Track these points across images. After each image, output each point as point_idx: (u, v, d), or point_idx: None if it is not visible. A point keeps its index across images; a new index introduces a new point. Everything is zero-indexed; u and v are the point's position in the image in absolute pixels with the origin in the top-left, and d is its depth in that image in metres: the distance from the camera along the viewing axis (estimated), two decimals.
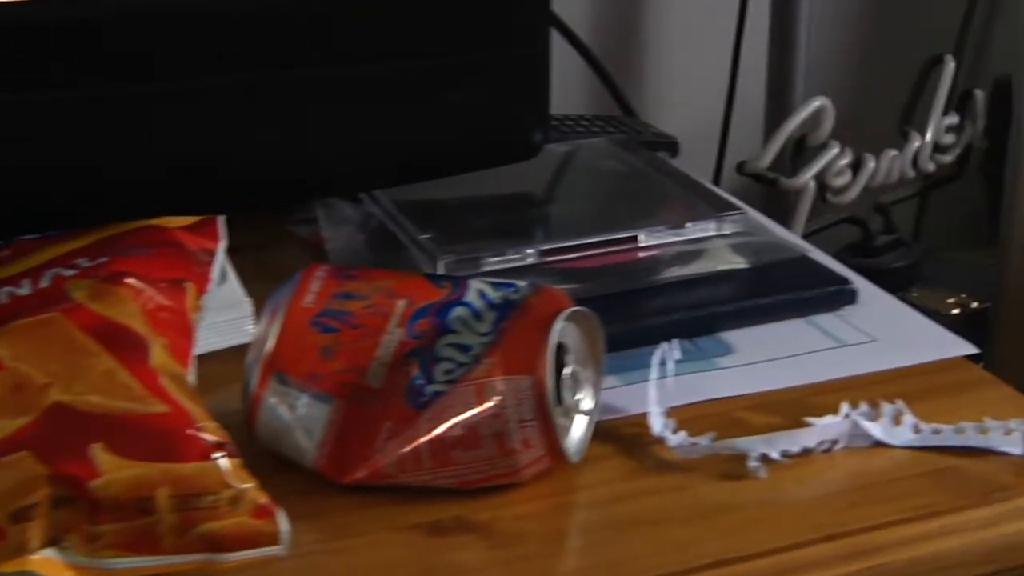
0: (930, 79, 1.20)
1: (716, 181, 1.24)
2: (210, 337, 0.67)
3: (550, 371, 0.57)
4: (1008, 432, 0.63)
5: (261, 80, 0.73)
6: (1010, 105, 1.23)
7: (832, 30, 1.34)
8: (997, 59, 1.37)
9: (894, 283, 1.19)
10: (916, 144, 1.18)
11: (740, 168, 1.08)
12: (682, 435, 0.62)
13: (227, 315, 0.70)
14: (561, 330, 0.59)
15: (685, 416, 0.64)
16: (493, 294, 0.62)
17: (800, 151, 1.13)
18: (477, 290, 0.62)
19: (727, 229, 0.78)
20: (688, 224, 0.77)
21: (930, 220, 1.40)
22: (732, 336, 0.73)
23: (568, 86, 1.19)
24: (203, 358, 0.64)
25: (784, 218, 1.09)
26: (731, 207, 0.80)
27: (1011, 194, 0.97)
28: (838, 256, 1.21)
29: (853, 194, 1.15)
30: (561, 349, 0.60)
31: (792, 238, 0.84)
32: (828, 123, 1.11)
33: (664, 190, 0.85)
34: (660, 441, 0.62)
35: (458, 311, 0.61)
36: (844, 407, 0.63)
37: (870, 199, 1.24)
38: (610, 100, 1.19)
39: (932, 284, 1.21)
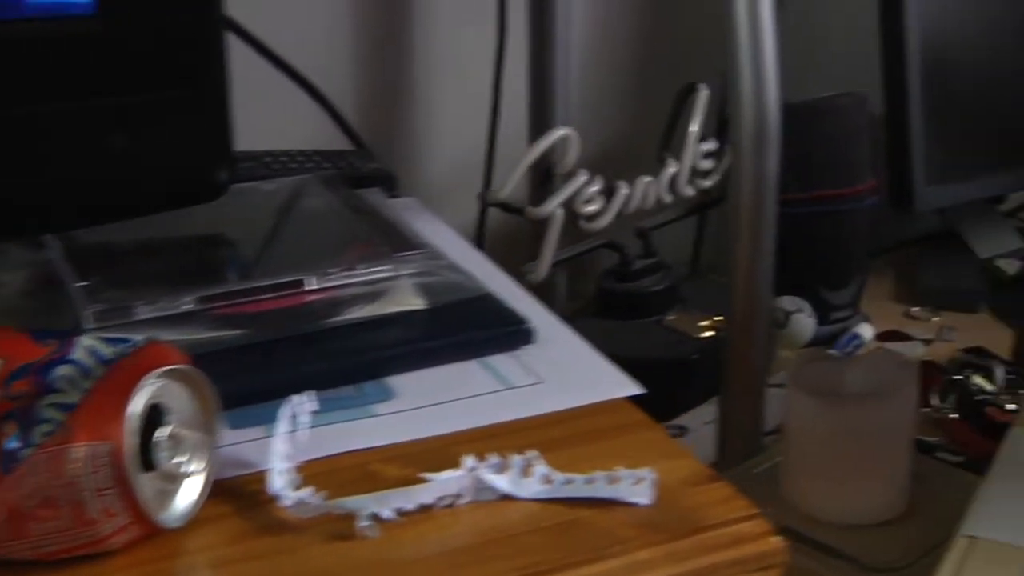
0: (685, 107, 1.17)
1: (482, 215, 1.20)
2: None
3: (132, 435, 0.52)
4: (638, 482, 0.59)
5: None
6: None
7: (593, 59, 1.30)
8: None
9: (652, 306, 1.16)
10: (672, 170, 1.15)
11: (482, 199, 1.04)
12: (306, 492, 0.58)
13: None
14: (160, 389, 0.54)
15: (319, 470, 0.60)
16: (105, 350, 0.57)
17: (548, 180, 1.09)
18: (87, 347, 0.57)
19: (404, 269, 0.74)
20: (361, 266, 0.72)
21: (709, 242, 1.37)
22: (399, 381, 0.69)
23: (303, 121, 1.15)
24: None
25: None
26: (412, 246, 0.75)
27: (735, 220, 0.94)
28: (597, 281, 1.18)
29: (606, 221, 1.10)
30: (157, 410, 0.55)
31: (487, 275, 0.79)
32: (573, 152, 1.07)
33: (354, 230, 0.80)
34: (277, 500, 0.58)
35: (63, 369, 0.56)
36: (467, 460, 0.59)
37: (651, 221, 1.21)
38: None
39: (691, 307, 1.17)
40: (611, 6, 1.31)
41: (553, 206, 1.06)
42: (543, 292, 1.23)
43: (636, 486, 0.59)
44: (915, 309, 1.31)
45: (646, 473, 0.59)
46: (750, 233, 0.93)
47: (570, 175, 1.08)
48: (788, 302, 1.20)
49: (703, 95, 1.16)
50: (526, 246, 1.09)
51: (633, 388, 0.68)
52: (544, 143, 1.04)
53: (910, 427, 0.93)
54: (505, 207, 1.05)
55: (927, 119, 1.25)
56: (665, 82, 1.22)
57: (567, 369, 0.71)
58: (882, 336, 1.25)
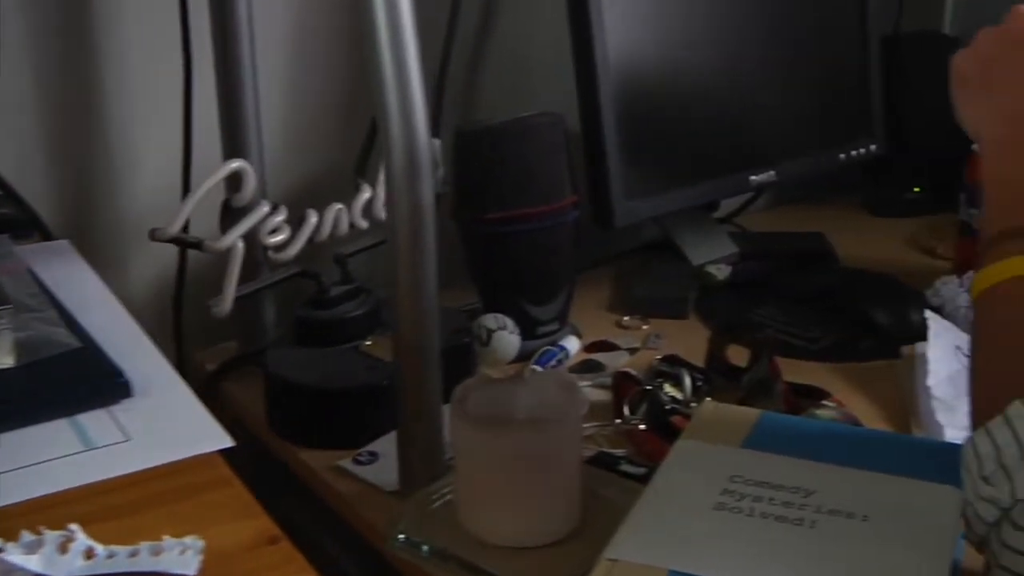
0: (380, 133, 1.11)
1: (182, 253, 1.13)
2: None
3: None
4: (183, 551, 0.53)
5: None
6: (474, 154, 1.16)
7: (291, 89, 1.24)
8: (453, 109, 1.30)
9: (350, 332, 1.10)
10: (367, 195, 1.09)
11: (152, 235, 0.96)
12: None
13: None
14: None
15: None
16: None
17: (228, 213, 1.02)
18: None
19: None
20: None
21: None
22: None
23: None
24: None
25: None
26: None
27: (394, 249, 0.88)
28: (296, 310, 1.12)
29: (295, 250, 1.04)
30: None
31: (110, 324, 0.72)
32: (251, 184, 1.00)
33: None
34: None
35: None
36: None
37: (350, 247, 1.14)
38: None
39: (392, 331, 1.12)
40: (306, 37, 1.24)
41: (232, 239, 0.99)
42: (250, 324, 1.18)
43: (181, 556, 0.52)
44: (626, 318, 1.28)
45: (191, 542, 0.53)
46: (410, 262, 0.88)
47: (250, 207, 1.01)
48: (490, 320, 1.15)
49: None
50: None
51: (225, 441, 0.62)
52: (214, 178, 0.98)
53: (575, 448, 0.89)
54: (179, 242, 0.97)
55: (622, 137, 1.22)
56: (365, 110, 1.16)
57: (162, 424, 0.64)
58: (591, 347, 1.22)
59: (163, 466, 0.60)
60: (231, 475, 0.60)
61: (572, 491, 0.88)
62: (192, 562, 0.52)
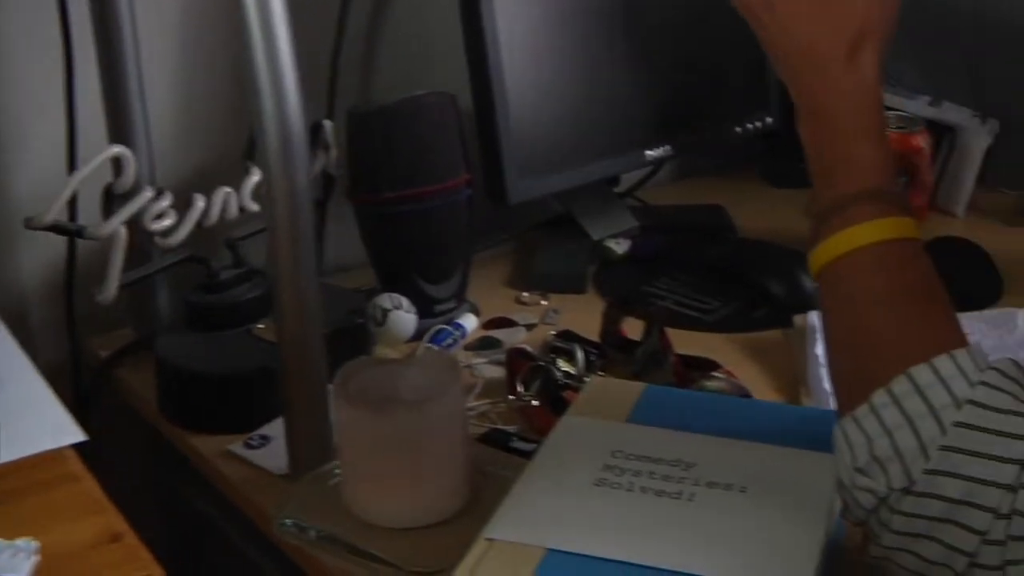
0: (252, 117, 1.08)
1: (71, 242, 1.10)
2: None
3: None
4: (15, 554, 0.50)
5: None
6: (366, 135, 1.13)
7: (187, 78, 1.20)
8: (350, 92, 1.27)
9: (242, 316, 1.07)
10: (255, 178, 1.06)
11: (27, 223, 0.93)
12: None
13: None
14: None
15: None
16: None
17: (110, 200, 0.98)
18: None
19: None
20: None
21: (328, 241, 1.28)
22: None
23: None
24: None
25: None
26: None
27: (272, 234, 0.86)
28: (186, 295, 1.09)
29: (182, 235, 1.01)
30: None
31: None
32: (131, 170, 0.97)
33: None
34: None
35: None
36: None
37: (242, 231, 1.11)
38: None
39: None
40: (193, 22, 1.20)
41: (114, 225, 0.96)
42: (144, 310, 1.15)
43: (12, 559, 0.50)
44: (525, 295, 1.26)
45: (23, 544, 0.50)
46: (288, 246, 0.85)
47: (134, 193, 0.98)
48: (386, 299, 1.13)
49: None
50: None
51: (77, 436, 0.60)
52: (92, 164, 0.94)
53: (458, 427, 0.87)
54: (57, 229, 0.94)
55: (514, 114, 1.20)
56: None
57: (12, 419, 0.61)
58: (489, 324, 1.20)
59: (8, 464, 0.57)
60: (82, 471, 0.58)
61: (457, 470, 0.86)
62: (24, 565, 0.50)
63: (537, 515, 0.76)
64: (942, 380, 0.65)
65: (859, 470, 0.67)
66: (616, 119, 1.29)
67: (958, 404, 0.64)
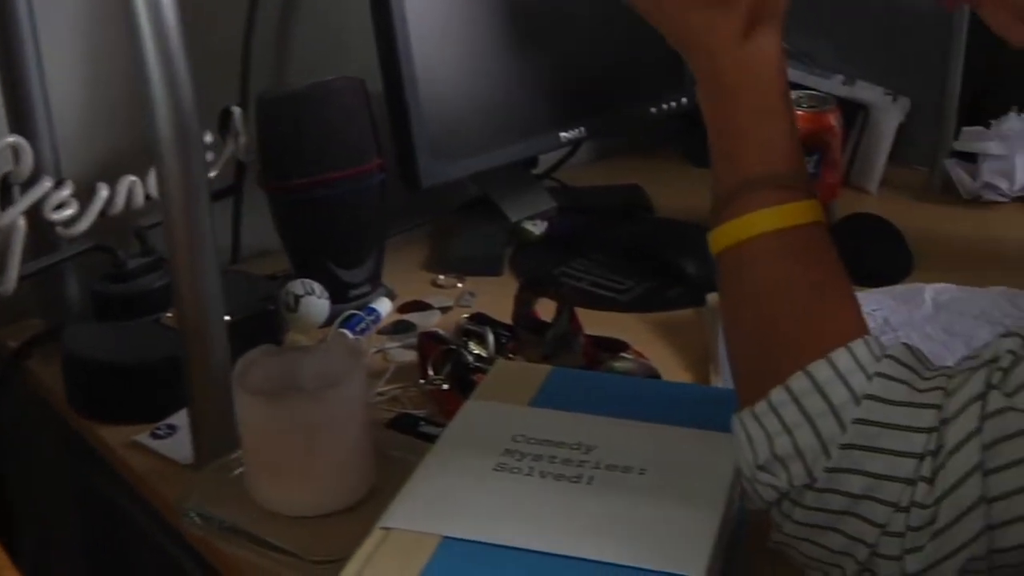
0: (144, 106, 1.05)
1: None
2: None
3: None
4: None
5: None
6: (275, 121, 1.11)
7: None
8: (263, 78, 1.24)
9: (151, 304, 1.04)
10: None
11: None
12: None
13: None
14: None
15: None
16: None
17: (7, 190, 0.95)
18: None
19: None
20: None
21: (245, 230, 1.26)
22: None
23: None
24: None
25: None
26: None
27: (168, 224, 0.83)
28: (92, 285, 1.06)
29: (85, 225, 0.98)
30: None
31: None
32: (28, 159, 0.94)
33: None
34: None
35: None
36: None
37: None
38: None
39: None
40: (97, 11, 1.16)
41: (11, 216, 0.93)
42: (52, 301, 1.11)
43: None
44: (441, 277, 1.25)
45: None
46: (184, 236, 0.83)
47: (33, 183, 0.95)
48: (298, 286, 1.11)
49: None
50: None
51: None
52: None
53: (359, 414, 0.85)
54: None
55: (424, 96, 1.17)
56: None
57: None
58: (404, 307, 1.18)
59: None
60: None
61: (359, 457, 0.85)
62: None
63: (434, 503, 0.75)
64: (840, 375, 0.64)
65: (760, 467, 0.66)
66: (530, 101, 1.27)
67: (857, 400, 0.63)
